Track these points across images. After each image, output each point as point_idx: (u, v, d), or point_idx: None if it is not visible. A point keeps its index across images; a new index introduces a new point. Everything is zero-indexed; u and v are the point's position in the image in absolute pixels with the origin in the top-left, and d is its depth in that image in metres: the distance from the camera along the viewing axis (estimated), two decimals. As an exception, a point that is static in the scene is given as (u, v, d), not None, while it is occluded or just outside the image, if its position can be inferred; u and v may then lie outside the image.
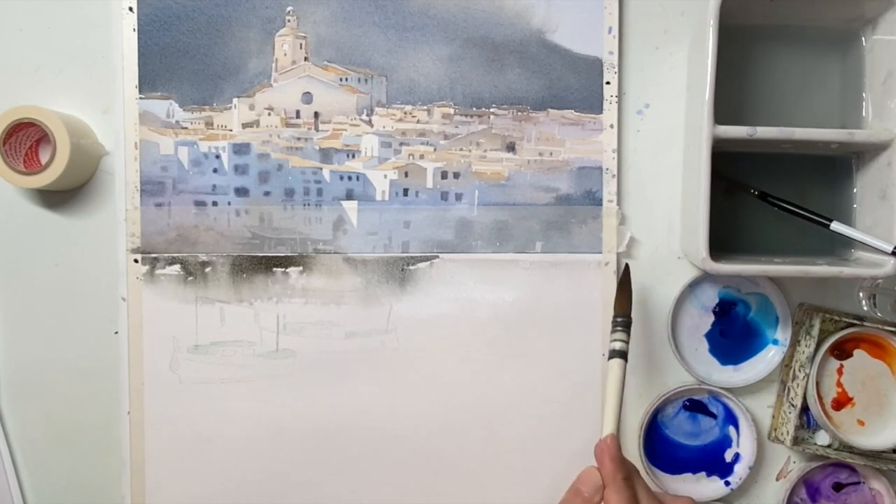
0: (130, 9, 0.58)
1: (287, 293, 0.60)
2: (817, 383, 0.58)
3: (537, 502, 0.61)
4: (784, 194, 0.57)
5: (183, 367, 0.59)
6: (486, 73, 0.60)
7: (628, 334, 0.55)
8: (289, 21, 0.59)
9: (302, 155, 0.60)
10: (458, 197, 0.60)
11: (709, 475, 0.62)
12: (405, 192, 0.60)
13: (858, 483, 0.62)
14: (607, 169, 0.60)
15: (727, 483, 0.61)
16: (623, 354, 0.54)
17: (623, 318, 0.55)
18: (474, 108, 0.60)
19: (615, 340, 0.54)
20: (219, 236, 0.60)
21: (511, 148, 0.60)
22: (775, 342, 0.61)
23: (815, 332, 0.58)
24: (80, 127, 0.58)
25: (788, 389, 0.60)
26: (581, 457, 0.60)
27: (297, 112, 0.60)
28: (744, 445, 0.61)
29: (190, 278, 0.59)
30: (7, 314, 0.60)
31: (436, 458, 0.60)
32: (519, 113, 0.60)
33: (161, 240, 0.59)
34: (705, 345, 0.61)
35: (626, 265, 0.58)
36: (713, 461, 0.62)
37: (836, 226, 0.55)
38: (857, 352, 0.59)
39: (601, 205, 0.60)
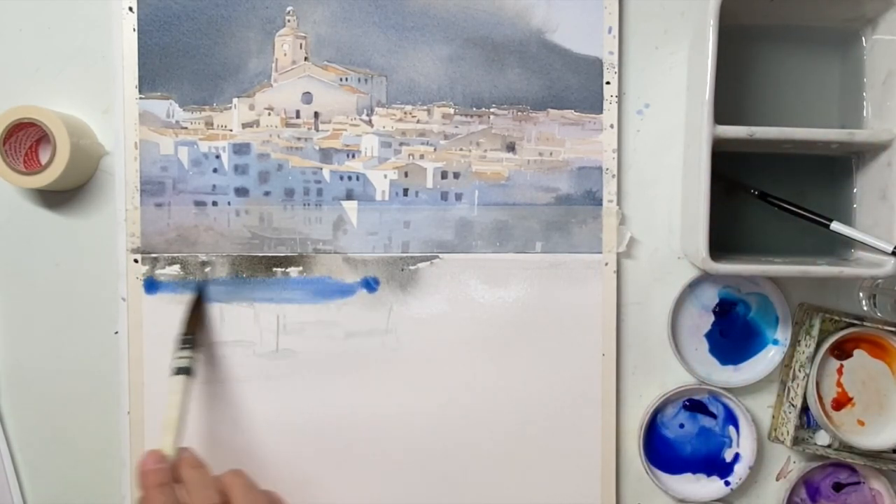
0: (130, 9, 0.58)
1: (287, 293, 0.60)
2: (817, 383, 0.58)
3: (536, 501, 0.61)
4: (784, 194, 0.57)
5: (183, 367, 0.59)
6: (486, 73, 0.60)
7: (195, 351, 0.56)
8: (289, 21, 0.59)
9: (302, 155, 0.60)
10: (458, 197, 0.60)
11: (709, 475, 0.62)
12: (405, 192, 0.60)
13: (858, 483, 0.62)
14: (607, 169, 0.60)
15: (727, 483, 0.61)
16: (188, 371, 0.55)
17: (191, 335, 0.57)
18: (474, 108, 0.60)
19: (181, 358, 0.55)
20: (219, 236, 0.60)
21: (511, 148, 0.60)
22: (775, 342, 0.61)
23: (815, 332, 0.58)
24: (80, 127, 0.58)
25: (788, 389, 0.60)
26: (580, 455, 0.60)
27: (297, 112, 0.60)
28: (744, 445, 0.61)
29: (190, 278, 0.59)
30: (7, 314, 0.60)
31: (435, 457, 0.60)
32: (519, 113, 0.60)
33: (161, 240, 0.59)
34: (705, 345, 0.61)
35: (199, 285, 0.59)
36: (713, 461, 0.62)
37: (836, 226, 0.55)
38: (857, 352, 0.59)
39: (601, 205, 0.60)
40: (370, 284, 0.60)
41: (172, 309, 0.59)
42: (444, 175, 0.60)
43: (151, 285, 0.59)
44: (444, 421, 0.60)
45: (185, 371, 0.55)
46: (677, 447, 0.62)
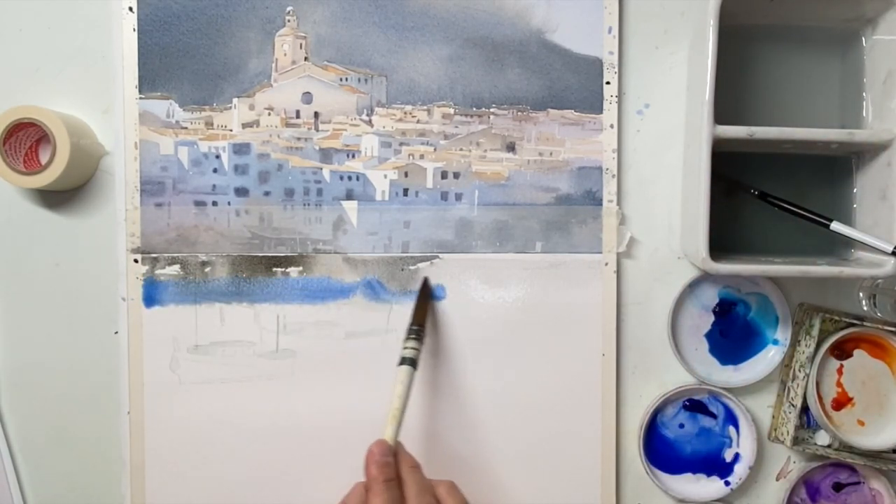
0: (130, 9, 0.58)
1: (287, 293, 0.60)
2: (817, 383, 0.58)
3: (536, 501, 0.61)
4: (784, 194, 0.57)
5: (183, 367, 0.59)
6: (486, 73, 0.60)
7: (421, 343, 0.56)
8: (289, 21, 0.59)
9: (302, 155, 0.60)
10: (458, 197, 0.60)
11: (709, 475, 0.62)
12: (405, 192, 0.60)
13: (858, 483, 0.62)
14: (607, 169, 0.60)
15: (727, 483, 0.61)
16: (413, 362, 0.54)
17: (418, 326, 0.57)
18: (474, 108, 0.60)
19: (407, 348, 0.55)
20: (219, 236, 0.60)
21: (511, 148, 0.60)
22: (775, 342, 0.61)
23: (815, 332, 0.58)
24: (80, 127, 0.58)
25: (788, 389, 0.60)
26: (580, 455, 0.60)
27: (297, 112, 0.60)
28: (744, 445, 0.61)
29: (190, 278, 0.59)
30: (7, 314, 0.60)
31: (435, 457, 0.60)
32: (519, 113, 0.60)
33: (161, 240, 0.59)
34: (705, 345, 0.61)
35: (426, 279, 0.59)
36: (713, 461, 0.62)
37: (836, 226, 0.55)
38: (857, 352, 0.59)
39: (601, 205, 0.60)
40: (370, 284, 0.60)
41: (172, 309, 0.59)
42: (444, 175, 0.60)
43: (150, 298, 0.59)
44: (443, 421, 0.60)
45: (410, 362, 0.54)
46: (677, 447, 0.62)
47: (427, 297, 0.59)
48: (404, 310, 0.60)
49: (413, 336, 0.56)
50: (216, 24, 0.59)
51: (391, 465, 0.50)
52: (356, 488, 0.50)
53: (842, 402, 0.59)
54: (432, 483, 0.50)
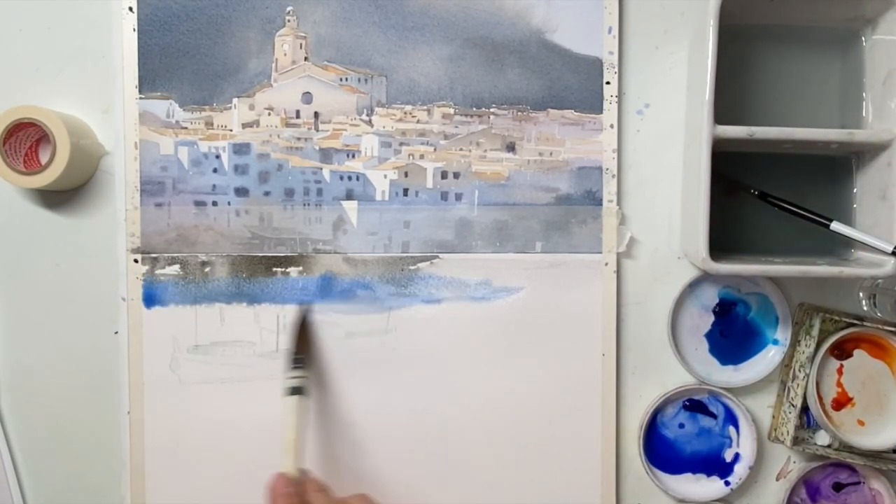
0: (130, 9, 0.58)
1: (287, 293, 0.60)
2: (817, 383, 0.58)
3: (536, 501, 0.61)
4: (784, 194, 0.57)
5: (183, 367, 0.59)
6: (486, 73, 0.60)
7: (307, 370, 0.57)
8: (289, 21, 0.59)
9: (302, 155, 0.60)
10: (458, 197, 0.60)
11: (709, 475, 0.62)
12: (405, 192, 0.60)
13: (858, 483, 0.62)
14: (607, 169, 0.60)
15: (727, 483, 0.61)
16: (300, 390, 0.55)
17: (301, 355, 0.57)
18: (474, 108, 0.60)
19: (294, 377, 0.55)
20: (219, 236, 0.60)
21: (511, 148, 0.60)
22: (775, 342, 0.61)
23: (815, 332, 0.58)
24: (80, 127, 0.58)
25: (788, 389, 0.60)
26: (579, 455, 0.60)
27: (297, 112, 0.60)
28: (744, 445, 0.61)
29: (190, 278, 0.59)
30: (7, 314, 0.60)
31: (436, 457, 0.60)
32: (519, 113, 0.60)
33: (161, 240, 0.59)
34: (705, 345, 0.61)
35: (304, 308, 0.59)
36: (713, 461, 0.62)
37: (836, 226, 0.55)
38: (857, 352, 0.59)
39: (601, 205, 0.60)
40: (370, 284, 0.60)
41: (172, 309, 0.59)
42: (444, 175, 0.60)
43: (150, 298, 0.59)
44: (443, 421, 0.60)
45: (298, 391, 0.55)
46: (677, 447, 0.62)
47: (306, 324, 0.59)
48: (404, 310, 0.60)
49: (298, 365, 0.56)
50: (216, 24, 0.59)
51: (293, 494, 0.50)
52: None
53: (842, 402, 0.59)
54: (344, 499, 0.50)
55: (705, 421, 0.62)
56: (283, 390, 0.55)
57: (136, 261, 0.59)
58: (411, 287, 0.60)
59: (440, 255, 0.60)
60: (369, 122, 0.60)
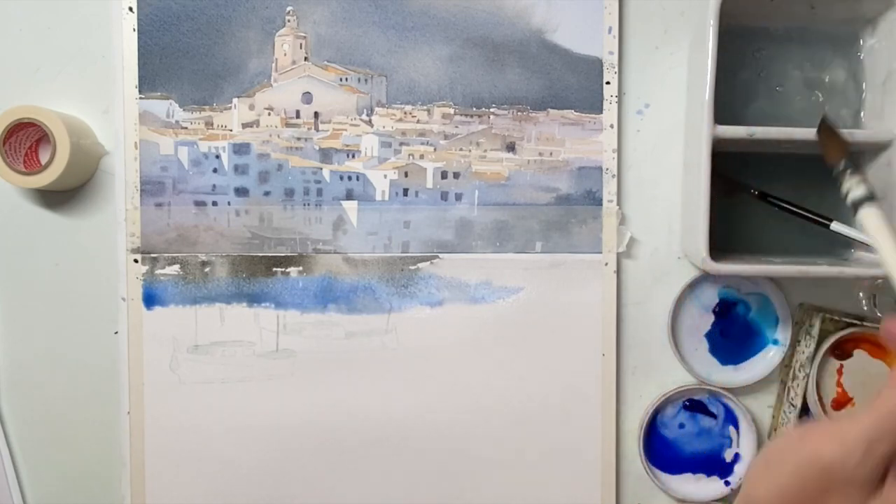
0: (130, 9, 0.58)
1: (287, 293, 0.60)
2: (817, 383, 0.58)
3: (536, 501, 0.61)
4: (784, 194, 0.57)
5: (183, 367, 0.59)
6: (486, 73, 0.60)
7: (866, 176, 0.47)
8: (289, 21, 0.59)
9: (302, 155, 0.60)
10: (458, 197, 0.60)
11: (709, 475, 0.62)
12: (405, 192, 0.60)
13: (858, 483, 0.62)
14: (607, 169, 0.60)
15: (727, 483, 0.61)
16: (872, 198, 0.46)
17: (848, 161, 0.49)
18: (474, 108, 0.60)
19: (856, 187, 0.47)
20: (219, 236, 0.60)
21: (511, 148, 0.60)
22: (775, 342, 0.61)
23: (815, 332, 0.58)
24: (80, 127, 0.58)
25: (788, 389, 0.60)
26: (580, 455, 0.60)
27: (297, 112, 0.60)
28: (744, 445, 0.61)
29: (190, 278, 0.59)
30: (7, 314, 0.60)
31: (435, 457, 0.60)
32: (519, 113, 0.60)
33: (161, 240, 0.59)
34: (705, 345, 0.61)
35: (824, 114, 0.52)
36: (713, 461, 0.62)
37: (836, 226, 0.55)
38: (857, 352, 0.59)
39: (601, 205, 0.60)
40: (370, 284, 0.60)
41: (172, 309, 0.59)
42: (444, 175, 0.60)
43: (150, 298, 0.59)
44: (443, 421, 0.60)
45: (870, 198, 0.46)
46: (677, 447, 0.62)
47: (831, 129, 0.51)
48: (404, 310, 0.60)
49: (850, 172, 0.48)
50: (216, 24, 0.59)
51: None
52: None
53: (842, 402, 0.59)
54: None
55: (705, 421, 0.62)
56: (851, 209, 0.47)
57: (136, 261, 0.59)
58: (411, 287, 0.60)
59: (440, 255, 0.60)
60: (369, 122, 0.60)
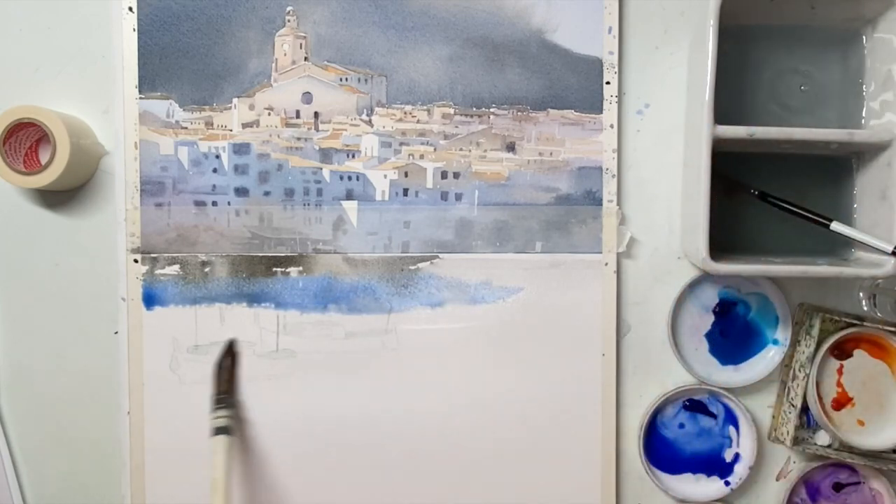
0: (130, 9, 0.58)
1: (287, 293, 0.60)
2: (817, 383, 0.58)
3: (536, 501, 0.61)
4: (784, 194, 0.57)
5: (183, 367, 0.59)
6: (486, 73, 0.60)
7: (233, 409, 0.57)
8: (289, 21, 0.59)
9: (302, 155, 0.60)
10: (458, 197, 0.60)
11: (709, 475, 0.62)
12: (405, 192, 0.60)
13: (858, 483, 0.62)
14: (607, 169, 0.60)
15: (727, 483, 0.61)
16: (227, 430, 0.55)
17: (225, 395, 0.57)
18: (474, 108, 0.60)
19: (219, 418, 0.56)
20: (219, 236, 0.60)
21: (511, 148, 0.60)
22: (775, 342, 0.61)
23: (815, 332, 0.58)
24: (80, 127, 0.58)
25: (788, 389, 0.60)
26: (580, 455, 0.60)
27: (297, 112, 0.60)
28: (744, 445, 0.61)
29: (190, 278, 0.59)
30: (7, 314, 0.60)
31: (435, 457, 0.60)
32: (519, 113, 0.60)
33: (161, 240, 0.59)
34: (705, 345, 0.61)
35: (231, 342, 0.59)
36: (713, 461, 0.62)
37: (836, 226, 0.55)
38: (857, 352, 0.59)
39: (601, 205, 0.60)
40: (370, 284, 0.60)
41: (172, 309, 0.59)
42: (444, 175, 0.60)
43: (150, 299, 0.59)
44: (443, 421, 0.60)
45: (224, 431, 0.55)
46: (677, 447, 0.62)
47: (233, 361, 0.59)
48: (404, 310, 0.60)
49: (222, 406, 0.56)
50: (216, 24, 0.59)
51: None
52: None
53: (842, 402, 0.59)
54: None
55: (705, 421, 0.62)
56: (209, 430, 0.55)
57: (135, 261, 0.59)
58: (411, 287, 0.60)
59: (440, 255, 0.60)
60: (369, 122, 0.60)
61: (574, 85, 0.60)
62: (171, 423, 0.59)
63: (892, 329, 0.59)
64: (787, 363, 0.61)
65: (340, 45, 0.60)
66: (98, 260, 0.60)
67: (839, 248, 0.60)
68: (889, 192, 0.55)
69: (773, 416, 0.62)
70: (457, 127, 0.60)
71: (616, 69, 0.60)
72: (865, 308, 0.62)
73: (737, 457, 0.61)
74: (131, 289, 0.59)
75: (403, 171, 0.60)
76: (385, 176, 0.60)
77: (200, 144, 0.59)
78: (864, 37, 0.59)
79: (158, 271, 0.59)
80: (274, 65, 0.59)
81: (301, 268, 0.60)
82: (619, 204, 0.61)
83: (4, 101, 0.58)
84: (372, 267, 0.60)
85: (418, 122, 0.60)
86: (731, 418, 0.61)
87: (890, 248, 0.53)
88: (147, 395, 0.59)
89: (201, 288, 0.59)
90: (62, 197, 0.60)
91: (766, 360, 0.61)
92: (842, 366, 0.59)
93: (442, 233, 0.60)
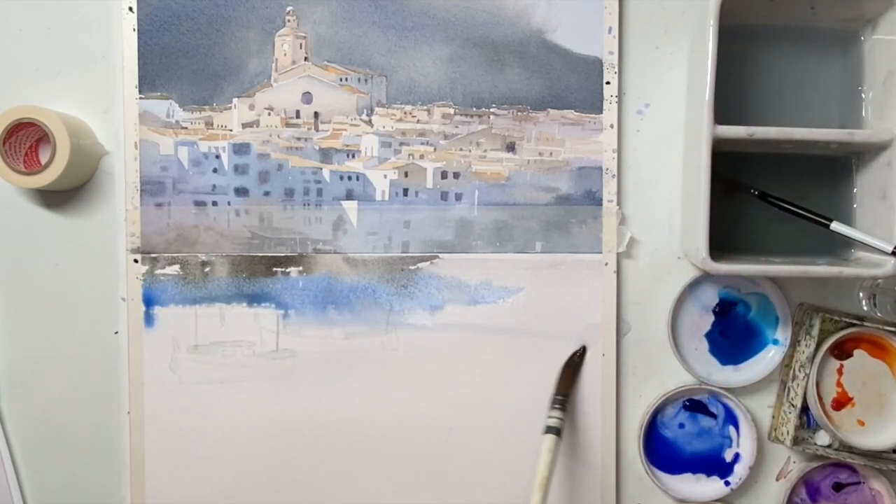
0: (130, 9, 0.58)
1: (287, 293, 0.60)
2: (817, 383, 0.58)
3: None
4: (784, 194, 0.57)
5: (183, 367, 0.59)
6: (486, 73, 0.60)
7: (565, 412, 0.58)
8: (289, 21, 0.59)
9: (302, 155, 0.60)
10: (458, 197, 0.60)
11: (709, 475, 0.62)
12: (405, 192, 0.60)
13: (858, 483, 0.62)
14: (607, 169, 0.60)
15: (727, 483, 0.61)
16: (558, 431, 0.56)
17: (563, 396, 0.58)
18: (474, 108, 0.60)
19: (552, 417, 0.57)
20: (219, 236, 0.60)
21: (511, 148, 0.60)
22: (775, 342, 0.61)
23: (815, 332, 0.58)
24: (80, 127, 0.58)
25: (788, 389, 0.60)
26: (579, 455, 0.60)
27: (297, 112, 0.60)
28: (744, 445, 0.61)
29: (189, 278, 0.59)
30: (7, 314, 0.60)
31: (435, 457, 0.60)
32: (519, 113, 0.60)
33: (161, 240, 0.59)
34: (705, 345, 0.61)
35: (583, 348, 0.60)
36: (713, 461, 0.62)
37: (836, 226, 0.55)
38: (857, 352, 0.59)
39: (601, 205, 0.60)
40: (370, 284, 0.60)
41: (172, 309, 0.59)
42: (444, 175, 0.60)
43: (150, 298, 0.59)
44: (443, 420, 0.60)
45: (555, 431, 0.56)
46: (677, 447, 0.62)
47: (577, 368, 0.60)
48: (404, 310, 0.60)
49: (557, 406, 0.57)
50: (216, 24, 0.59)
51: None
52: None
53: (842, 402, 0.59)
54: None
55: (705, 421, 0.62)
56: (542, 427, 0.57)
57: (136, 261, 0.59)
58: (411, 287, 0.60)
59: (440, 255, 0.60)
60: (369, 122, 0.60)
61: (574, 85, 0.60)
62: (171, 424, 0.59)
63: (892, 329, 0.59)
64: (787, 363, 0.61)
65: (340, 45, 0.60)
66: (98, 260, 0.60)
67: (839, 248, 0.60)
68: (889, 192, 0.55)
69: (773, 416, 0.62)
70: (457, 127, 0.60)
71: (616, 69, 0.60)
72: (865, 308, 0.62)
73: (737, 457, 0.61)
74: (131, 289, 0.59)
75: (403, 171, 0.60)
76: (385, 176, 0.60)
77: (200, 144, 0.59)
78: (863, 37, 0.59)
79: (158, 271, 0.59)
80: (274, 65, 0.59)
81: (301, 268, 0.60)
82: (619, 204, 0.61)
83: (4, 101, 0.58)
84: (372, 267, 0.60)
85: (418, 122, 0.60)
86: (731, 418, 0.61)
87: (890, 248, 0.53)
88: (147, 395, 0.59)
89: (201, 288, 0.59)
90: (62, 197, 0.60)
91: (766, 360, 0.61)
92: (842, 366, 0.59)
93: (442, 233, 0.60)
